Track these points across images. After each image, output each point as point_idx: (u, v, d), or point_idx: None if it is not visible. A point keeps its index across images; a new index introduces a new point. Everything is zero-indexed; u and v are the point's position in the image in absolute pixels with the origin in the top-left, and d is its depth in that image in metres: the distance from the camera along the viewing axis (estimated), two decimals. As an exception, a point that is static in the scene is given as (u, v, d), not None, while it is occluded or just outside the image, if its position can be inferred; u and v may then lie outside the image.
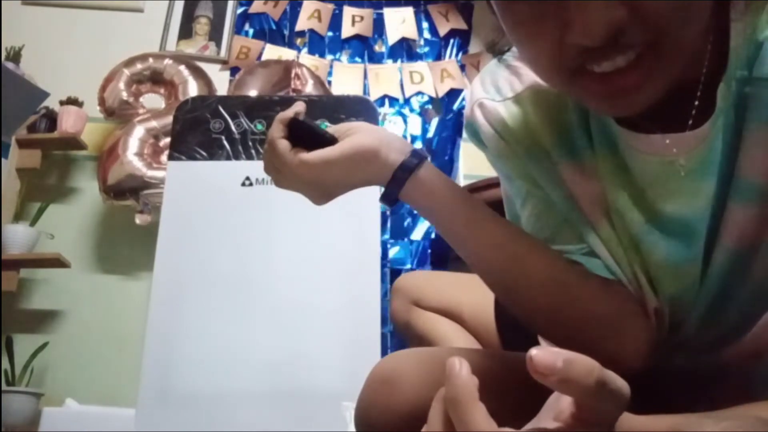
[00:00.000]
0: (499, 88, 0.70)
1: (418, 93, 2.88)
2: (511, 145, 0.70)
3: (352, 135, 0.69)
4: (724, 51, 0.55)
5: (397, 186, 0.67)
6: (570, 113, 0.65)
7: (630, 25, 0.47)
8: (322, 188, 0.72)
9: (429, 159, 0.68)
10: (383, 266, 2.55)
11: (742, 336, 0.62)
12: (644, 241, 0.62)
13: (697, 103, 0.56)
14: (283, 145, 0.69)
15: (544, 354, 0.34)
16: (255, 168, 1.86)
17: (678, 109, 0.56)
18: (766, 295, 0.60)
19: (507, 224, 0.68)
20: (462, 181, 2.56)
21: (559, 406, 0.38)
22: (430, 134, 2.87)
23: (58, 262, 2.45)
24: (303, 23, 2.95)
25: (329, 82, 2.81)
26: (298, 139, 0.70)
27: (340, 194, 0.74)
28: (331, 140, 0.70)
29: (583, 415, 0.37)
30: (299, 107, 0.70)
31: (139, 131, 2.45)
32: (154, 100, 2.63)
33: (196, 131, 1.90)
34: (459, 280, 1.45)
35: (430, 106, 2.89)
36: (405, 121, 2.86)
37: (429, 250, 2.64)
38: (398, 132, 2.82)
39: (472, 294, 1.39)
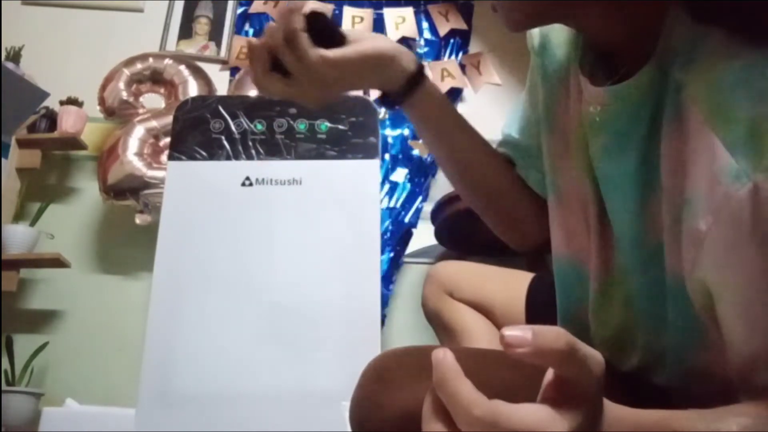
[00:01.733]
0: None
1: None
2: (544, 49, 0.78)
3: (368, 39, 0.72)
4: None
5: (408, 92, 0.74)
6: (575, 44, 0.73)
7: None
8: (330, 87, 0.71)
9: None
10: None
11: (696, 347, 0.61)
12: (582, 178, 0.70)
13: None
14: (305, 38, 0.67)
15: (513, 329, 0.36)
16: (255, 168, 1.86)
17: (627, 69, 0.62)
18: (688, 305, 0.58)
19: (477, 136, 0.84)
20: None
21: (542, 387, 0.39)
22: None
23: (58, 262, 2.45)
24: (303, 23, 2.95)
25: (329, 82, 2.81)
26: (312, 34, 0.67)
27: (339, 95, 0.76)
28: (342, 41, 0.70)
29: (565, 388, 0.38)
30: (315, 4, 0.73)
31: (139, 131, 2.45)
32: (154, 99, 2.63)
33: (196, 131, 1.90)
34: (494, 275, 1.45)
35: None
36: (405, 120, 2.86)
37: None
38: (398, 132, 2.83)
39: (505, 290, 1.40)
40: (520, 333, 0.36)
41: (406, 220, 2.68)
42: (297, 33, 0.66)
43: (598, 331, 0.71)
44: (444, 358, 0.39)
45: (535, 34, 0.80)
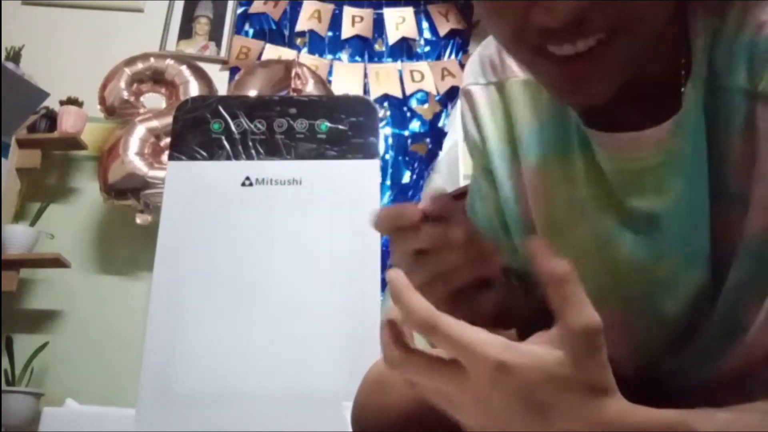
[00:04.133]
0: (485, 71, 0.70)
1: (419, 91, 2.89)
2: (488, 136, 0.70)
3: None
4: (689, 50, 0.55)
5: None
6: (548, 109, 0.64)
7: (593, 10, 0.47)
8: None
9: None
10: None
11: (735, 345, 0.60)
12: (612, 239, 0.62)
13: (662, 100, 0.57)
14: None
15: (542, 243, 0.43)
16: (255, 168, 1.86)
17: (648, 108, 0.56)
18: (739, 306, 0.58)
19: None
20: (462, 182, 2.56)
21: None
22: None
23: (58, 262, 2.45)
24: (303, 23, 2.95)
25: (329, 82, 2.81)
26: None
27: None
28: None
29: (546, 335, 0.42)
30: None
31: (140, 131, 2.45)
32: (154, 99, 2.63)
33: (196, 131, 1.90)
34: None
35: (426, 105, 2.89)
36: (404, 120, 2.87)
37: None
38: (397, 131, 2.83)
39: None
40: (544, 246, 0.42)
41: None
42: None
43: None
44: (396, 276, 0.43)
45: (472, 126, 0.71)
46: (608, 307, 0.63)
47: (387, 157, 2.73)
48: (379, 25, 2.99)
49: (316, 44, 2.95)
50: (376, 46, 2.99)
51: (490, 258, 0.58)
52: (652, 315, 0.63)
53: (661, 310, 0.63)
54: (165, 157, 2.40)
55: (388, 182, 2.71)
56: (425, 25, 3.03)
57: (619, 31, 0.48)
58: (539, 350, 0.40)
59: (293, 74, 2.56)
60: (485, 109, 0.69)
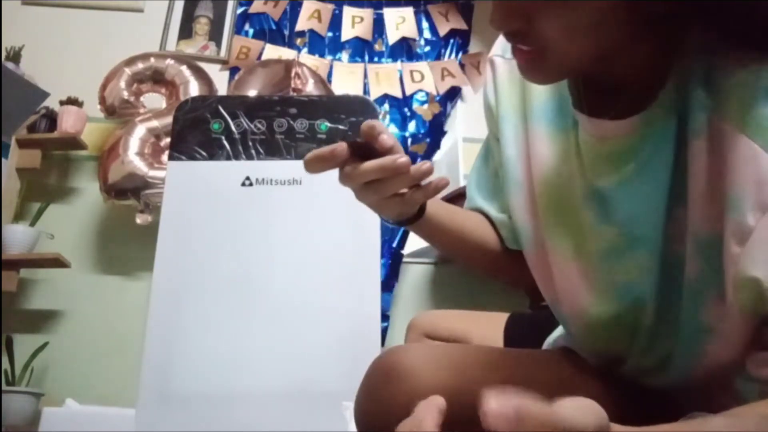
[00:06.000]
0: (508, 46, 0.78)
1: (419, 91, 2.88)
2: (501, 102, 0.80)
3: None
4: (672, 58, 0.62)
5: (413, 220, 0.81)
6: (557, 88, 0.73)
7: (524, 32, 0.60)
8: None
9: None
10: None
11: (703, 349, 0.64)
12: (582, 205, 0.71)
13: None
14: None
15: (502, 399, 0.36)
16: (255, 168, 1.86)
17: (632, 104, 0.63)
18: (700, 306, 0.63)
19: (474, 227, 0.88)
20: (462, 181, 2.56)
21: None
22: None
23: (58, 262, 2.45)
24: (303, 23, 2.95)
25: (329, 82, 2.81)
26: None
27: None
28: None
29: None
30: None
31: (140, 131, 2.45)
32: (154, 99, 2.63)
33: (196, 131, 1.90)
34: (472, 316, 1.54)
35: (426, 106, 2.89)
36: (404, 120, 2.87)
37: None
38: (397, 131, 2.83)
39: (482, 326, 1.46)
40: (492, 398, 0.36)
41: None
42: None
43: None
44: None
45: (490, 91, 0.82)
46: (580, 262, 0.72)
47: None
48: (379, 25, 2.99)
49: (316, 44, 2.95)
50: (376, 46, 2.99)
51: (426, 176, 0.71)
52: (608, 282, 0.71)
53: (615, 279, 0.70)
54: (165, 157, 2.40)
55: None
56: (425, 25, 3.03)
57: (544, 50, 0.60)
58: None
59: (293, 74, 2.56)
60: (503, 79, 0.80)
